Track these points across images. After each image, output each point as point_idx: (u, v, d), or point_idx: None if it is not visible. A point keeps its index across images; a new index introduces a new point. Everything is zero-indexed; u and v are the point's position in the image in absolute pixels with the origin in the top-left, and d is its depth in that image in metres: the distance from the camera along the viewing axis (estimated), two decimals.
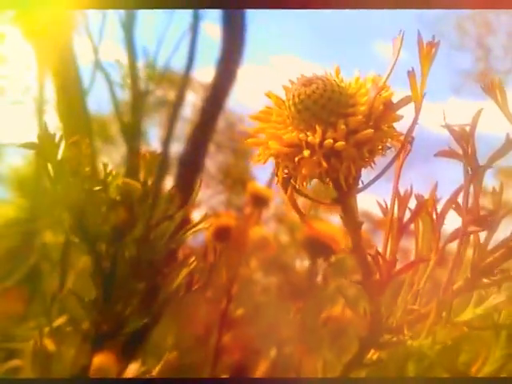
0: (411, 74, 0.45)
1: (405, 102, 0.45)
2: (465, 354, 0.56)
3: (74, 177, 0.54)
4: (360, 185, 0.46)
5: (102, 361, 0.83)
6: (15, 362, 0.72)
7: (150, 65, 2.09)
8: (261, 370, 0.96)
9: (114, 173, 0.57)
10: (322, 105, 0.43)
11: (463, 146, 0.48)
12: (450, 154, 0.48)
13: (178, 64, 2.00)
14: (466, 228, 0.47)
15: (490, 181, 0.50)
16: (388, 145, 0.45)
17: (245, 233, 1.12)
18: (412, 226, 0.51)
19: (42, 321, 0.64)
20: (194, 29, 1.95)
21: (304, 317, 0.97)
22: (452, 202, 0.49)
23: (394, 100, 0.45)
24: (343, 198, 0.45)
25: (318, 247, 0.94)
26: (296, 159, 0.43)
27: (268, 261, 1.16)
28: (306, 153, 0.42)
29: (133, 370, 0.84)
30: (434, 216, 0.50)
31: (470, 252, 0.50)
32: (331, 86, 0.43)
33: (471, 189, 0.49)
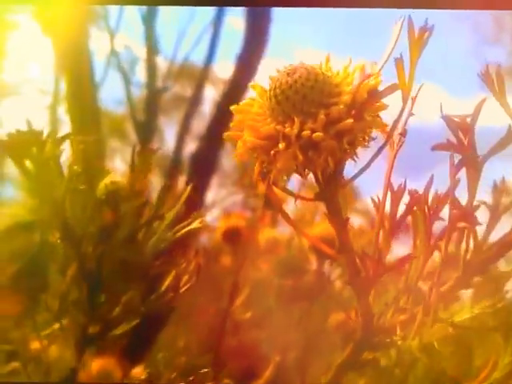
0: (398, 60, 0.43)
1: (390, 90, 0.43)
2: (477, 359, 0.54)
3: (59, 175, 0.53)
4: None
5: (104, 364, 0.83)
6: (14, 365, 0.71)
7: (169, 60, 2.07)
8: (267, 375, 0.95)
9: (103, 171, 0.56)
10: (303, 94, 0.41)
11: (460, 137, 0.46)
12: (447, 146, 0.46)
13: (200, 59, 1.98)
14: (454, 224, 0.45)
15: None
16: (373, 136, 0.43)
17: (254, 234, 1.11)
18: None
19: (36, 323, 0.63)
20: (217, 23, 1.93)
21: (310, 320, 0.96)
22: (447, 196, 0.47)
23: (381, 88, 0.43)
24: (325, 193, 0.44)
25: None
26: (272, 152, 0.41)
27: (277, 263, 1.15)
28: (282, 145, 0.40)
29: (137, 374, 0.83)
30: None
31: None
32: (315, 75, 0.42)
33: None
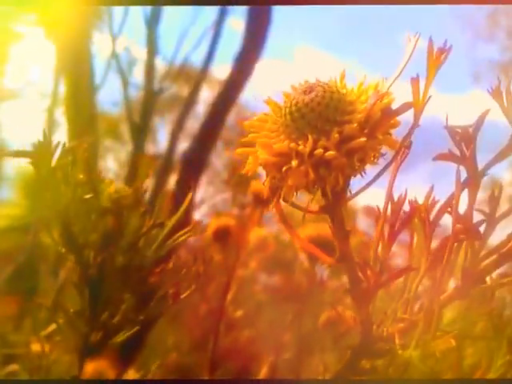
0: (415, 80, 0.44)
1: (404, 108, 0.44)
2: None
3: (65, 184, 0.53)
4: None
5: (98, 366, 0.84)
6: (13, 367, 0.72)
7: (168, 61, 2.05)
8: (260, 373, 0.95)
9: (107, 180, 0.57)
10: (318, 112, 0.42)
11: (462, 148, 0.47)
12: (448, 157, 0.47)
13: (199, 60, 1.97)
14: (456, 237, 0.46)
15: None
16: (382, 152, 0.44)
17: (244, 233, 1.11)
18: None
19: (35, 328, 0.64)
20: (218, 24, 1.92)
21: (303, 319, 0.97)
22: (447, 206, 0.48)
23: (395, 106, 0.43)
24: (331, 206, 0.45)
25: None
26: (283, 169, 0.42)
27: (267, 262, 1.15)
28: (294, 163, 0.41)
29: (131, 374, 0.84)
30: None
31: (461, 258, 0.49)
32: (331, 93, 0.43)
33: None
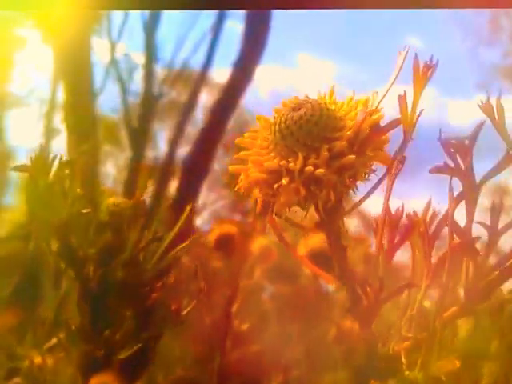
0: (402, 98, 0.43)
1: (392, 125, 0.43)
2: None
3: (64, 198, 0.53)
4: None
5: (103, 380, 0.83)
6: (16, 381, 0.72)
7: (167, 66, 2.06)
8: None
9: (106, 193, 0.57)
10: (307, 130, 0.42)
11: (457, 161, 0.46)
12: (444, 169, 0.46)
13: (198, 64, 1.97)
14: (454, 253, 0.46)
15: None
16: (373, 168, 0.43)
17: (247, 242, 1.11)
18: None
19: (35, 342, 0.64)
20: (216, 28, 1.92)
21: (311, 332, 0.96)
22: (446, 219, 0.47)
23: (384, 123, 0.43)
24: (326, 223, 0.44)
25: (320, 259, 0.92)
26: (275, 186, 0.42)
27: (270, 272, 1.14)
28: (285, 180, 0.41)
29: None
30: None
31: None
32: (320, 110, 0.43)
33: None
